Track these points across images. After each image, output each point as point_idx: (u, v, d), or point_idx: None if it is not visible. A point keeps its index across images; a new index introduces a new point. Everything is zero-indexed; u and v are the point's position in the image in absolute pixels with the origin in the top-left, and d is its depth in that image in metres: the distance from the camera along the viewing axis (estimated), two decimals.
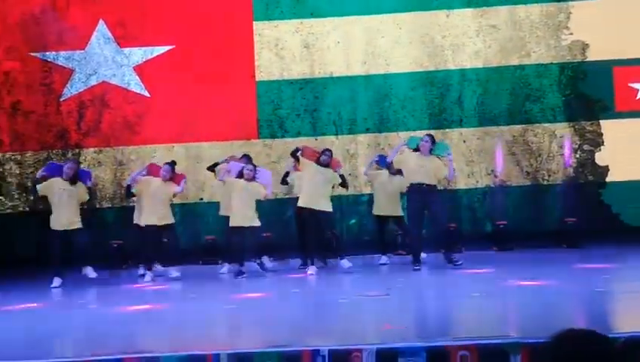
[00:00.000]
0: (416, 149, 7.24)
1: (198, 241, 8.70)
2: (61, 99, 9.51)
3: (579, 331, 1.68)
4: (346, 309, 5.24)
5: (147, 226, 7.51)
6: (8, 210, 9.45)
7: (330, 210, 7.45)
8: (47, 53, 9.50)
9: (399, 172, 7.48)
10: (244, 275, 7.30)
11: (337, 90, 9.41)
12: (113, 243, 8.75)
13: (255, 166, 7.61)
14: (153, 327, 4.96)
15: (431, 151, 7.19)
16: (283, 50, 9.47)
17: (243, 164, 7.59)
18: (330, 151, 7.67)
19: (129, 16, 9.52)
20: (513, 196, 9.29)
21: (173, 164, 7.79)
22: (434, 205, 7.08)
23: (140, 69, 9.52)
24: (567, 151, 9.22)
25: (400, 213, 7.71)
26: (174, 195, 7.65)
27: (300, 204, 7.42)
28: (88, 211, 8.32)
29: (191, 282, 7.39)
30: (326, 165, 7.47)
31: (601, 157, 9.20)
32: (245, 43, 9.45)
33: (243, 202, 7.34)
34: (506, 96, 9.31)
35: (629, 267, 6.81)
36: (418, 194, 7.05)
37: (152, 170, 7.76)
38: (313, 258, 7.42)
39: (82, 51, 9.50)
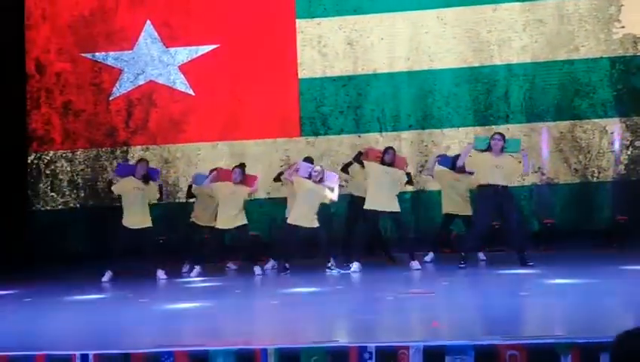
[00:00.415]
0: (485, 149, 7.06)
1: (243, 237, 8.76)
2: (110, 99, 9.77)
3: None
4: (391, 306, 5.22)
5: (219, 229, 7.61)
6: (60, 206, 9.76)
7: (399, 209, 7.37)
8: (97, 53, 9.77)
9: (463, 171, 7.38)
10: (288, 272, 7.35)
11: (381, 87, 9.37)
12: (159, 238, 8.92)
13: (323, 168, 7.59)
14: (201, 322, 5.04)
15: (502, 150, 7.02)
16: (326, 47, 9.48)
17: (312, 166, 7.59)
18: (392, 148, 7.56)
19: (175, 17, 9.71)
20: (561, 194, 9.08)
21: (243, 166, 7.89)
22: (507, 205, 6.92)
23: (185, 68, 9.69)
24: (617, 147, 8.95)
25: (470, 211, 7.53)
26: (249, 195, 7.71)
27: (367, 206, 7.31)
28: None
29: (236, 278, 7.45)
30: (390, 164, 7.39)
31: None
32: (288, 41, 9.50)
33: (308, 203, 7.31)
34: (554, 92, 9.11)
35: None
36: (490, 195, 6.88)
37: (222, 174, 7.82)
38: (359, 255, 7.41)
39: (130, 51, 9.73)
